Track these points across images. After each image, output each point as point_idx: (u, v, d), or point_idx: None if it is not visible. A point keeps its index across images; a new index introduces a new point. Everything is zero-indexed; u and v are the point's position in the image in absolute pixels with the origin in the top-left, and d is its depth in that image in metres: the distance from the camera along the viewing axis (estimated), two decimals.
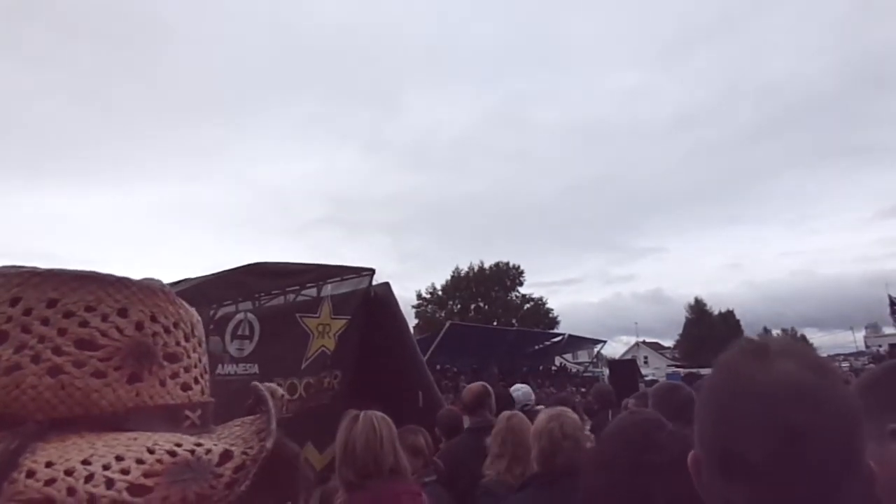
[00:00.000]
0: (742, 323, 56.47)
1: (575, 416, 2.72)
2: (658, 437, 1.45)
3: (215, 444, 0.51)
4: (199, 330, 0.64)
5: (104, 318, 0.54)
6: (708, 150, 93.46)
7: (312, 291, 4.80)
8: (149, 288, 0.58)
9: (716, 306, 59.03)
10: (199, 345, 0.63)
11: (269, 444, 0.53)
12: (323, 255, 73.67)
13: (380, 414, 2.53)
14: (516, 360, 28.80)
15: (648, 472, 1.37)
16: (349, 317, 4.60)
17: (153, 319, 0.57)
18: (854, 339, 60.59)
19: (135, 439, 0.49)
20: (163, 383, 0.56)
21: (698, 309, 58.13)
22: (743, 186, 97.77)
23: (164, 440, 0.50)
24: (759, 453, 0.72)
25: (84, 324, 0.53)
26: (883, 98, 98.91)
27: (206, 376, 0.63)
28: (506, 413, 3.49)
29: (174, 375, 0.57)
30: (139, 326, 0.56)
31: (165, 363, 0.57)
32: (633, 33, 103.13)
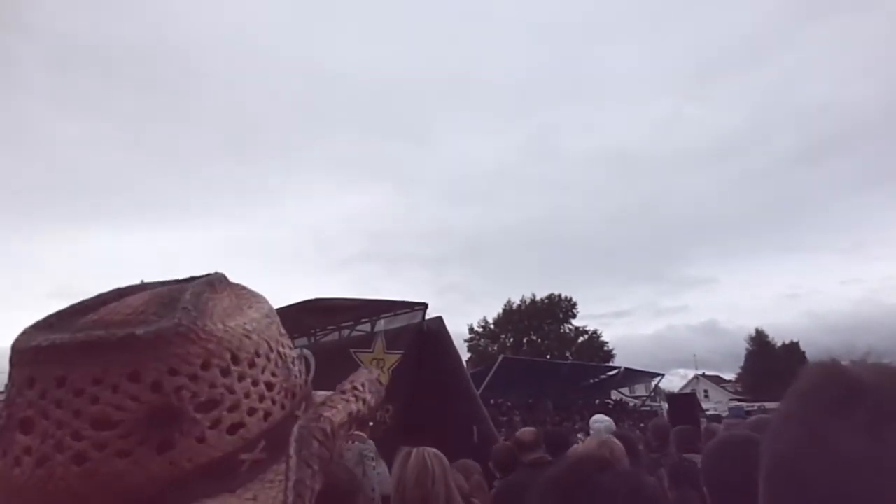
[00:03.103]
0: (807, 355, 53.80)
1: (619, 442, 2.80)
2: (600, 479, 1.33)
3: None
4: (246, 348, 0.54)
5: (115, 390, 0.47)
6: (752, 177, 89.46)
7: (366, 327, 4.87)
8: (159, 337, 0.49)
9: (778, 338, 56.53)
10: (251, 366, 0.54)
11: None
12: (363, 290, 74.18)
13: (433, 450, 2.50)
14: (570, 393, 28.17)
15: None
16: (402, 351, 4.64)
17: (172, 373, 0.49)
18: None
19: None
20: (201, 439, 0.49)
21: (760, 341, 55.68)
22: (792, 214, 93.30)
23: None
24: None
25: (94, 400, 0.47)
26: None
27: (273, 392, 0.55)
28: None
29: (216, 423, 0.50)
30: (156, 387, 0.48)
31: (199, 415, 0.49)
32: (667, 61, 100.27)
